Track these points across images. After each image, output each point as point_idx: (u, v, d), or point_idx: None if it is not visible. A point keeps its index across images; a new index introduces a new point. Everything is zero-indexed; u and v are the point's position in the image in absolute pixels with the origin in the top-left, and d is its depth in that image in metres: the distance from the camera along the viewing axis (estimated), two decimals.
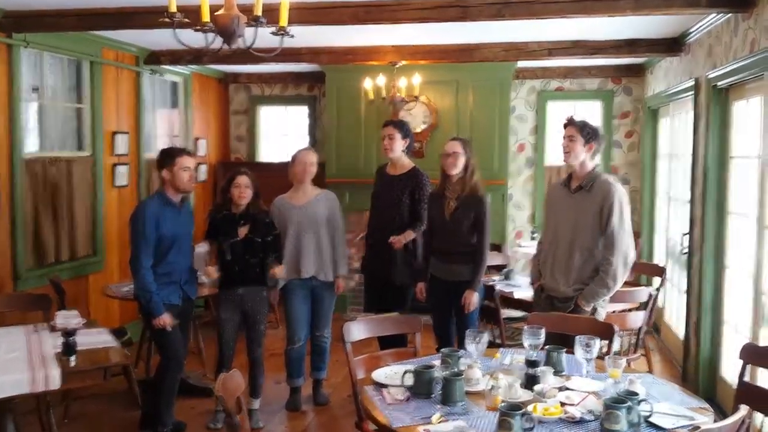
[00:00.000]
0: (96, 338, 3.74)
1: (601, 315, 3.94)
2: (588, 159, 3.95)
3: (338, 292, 4.94)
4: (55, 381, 3.17)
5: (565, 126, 4.02)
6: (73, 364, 3.33)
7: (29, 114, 5.42)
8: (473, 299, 4.38)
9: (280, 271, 4.49)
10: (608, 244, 3.81)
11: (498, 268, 5.90)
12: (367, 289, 5.11)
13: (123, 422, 4.69)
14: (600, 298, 3.87)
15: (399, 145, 4.83)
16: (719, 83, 4.73)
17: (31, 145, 5.45)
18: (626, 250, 3.82)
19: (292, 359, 4.86)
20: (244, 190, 4.40)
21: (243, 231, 4.44)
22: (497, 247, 6.33)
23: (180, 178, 4.15)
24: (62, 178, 5.66)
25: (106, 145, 6.20)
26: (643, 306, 4.74)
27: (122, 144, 6.41)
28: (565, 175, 4.17)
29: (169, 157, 4.19)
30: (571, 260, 3.91)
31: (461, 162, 4.42)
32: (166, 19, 2.74)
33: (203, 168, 7.92)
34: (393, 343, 4.18)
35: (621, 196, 3.84)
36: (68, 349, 3.37)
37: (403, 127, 4.92)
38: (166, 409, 4.22)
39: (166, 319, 4.08)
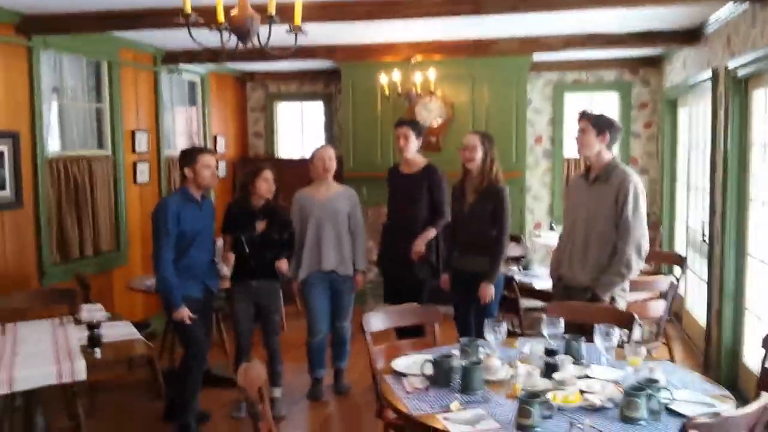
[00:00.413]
0: (120, 331, 3.80)
1: (621, 305, 3.93)
2: (604, 150, 3.93)
3: (357, 288, 4.98)
4: (81, 372, 3.22)
5: (579, 119, 4.03)
6: (98, 356, 3.39)
7: (50, 115, 5.50)
8: (489, 291, 4.39)
9: (284, 266, 4.56)
10: (622, 233, 3.80)
11: (517, 259, 5.91)
12: (384, 283, 5.15)
13: (148, 412, 4.76)
14: (615, 287, 3.86)
15: (414, 144, 4.88)
16: (738, 73, 4.69)
17: (53, 144, 5.54)
18: (639, 238, 3.81)
19: (313, 351, 4.92)
20: (272, 184, 4.49)
21: (261, 225, 4.51)
22: (516, 239, 6.32)
23: (202, 175, 4.22)
24: (84, 176, 5.75)
25: (127, 143, 6.29)
26: (663, 295, 4.72)
27: (142, 142, 6.49)
28: (584, 167, 4.18)
29: (190, 155, 4.26)
30: (588, 250, 3.91)
31: (479, 155, 4.42)
32: (182, 20, 2.77)
33: (222, 165, 7.98)
34: (410, 336, 4.21)
35: (636, 185, 3.83)
36: (93, 341, 3.44)
37: (416, 126, 4.98)
38: (190, 400, 4.28)
39: (184, 312, 4.13)
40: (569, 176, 7.97)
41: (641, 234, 3.82)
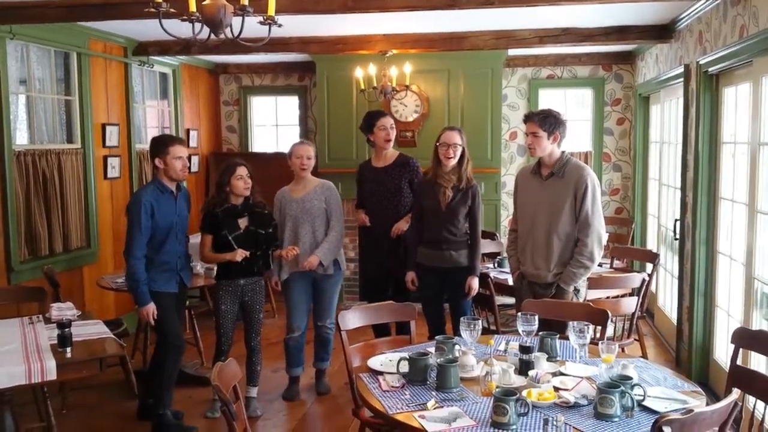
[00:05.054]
0: (91, 329, 3.74)
1: (582, 295, 4.06)
2: (555, 147, 3.99)
3: (306, 267, 4.65)
4: (51, 372, 3.17)
5: (525, 121, 4.04)
6: (68, 355, 3.33)
7: (18, 107, 5.39)
8: (474, 284, 4.46)
9: (292, 253, 4.51)
10: (583, 226, 3.92)
11: (491, 256, 5.94)
12: (367, 282, 5.12)
13: (120, 412, 4.70)
14: (579, 279, 3.98)
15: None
16: (709, 69, 4.74)
17: (20, 138, 5.42)
18: (599, 230, 3.95)
19: (291, 348, 4.87)
20: (247, 180, 4.39)
21: (243, 223, 4.44)
22: (491, 235, 6.35)
23: (173, 167, 4.14)
24: (53, 170, 5.62)
25: (97, 137, 6.17)
26: (636, 291, 4.77)
27: (113, 136, 6.38)
28: (535, 163, 4.17)
29: (162, 145, 4.17)
30: (551, 245, 3.99)
31: (459, 152, 4.43)
32: (153, 10, 2.73)
33: (195, 159, 7.88)
34: (386, 332, 4.22)
35: (593, 178, 3.96)
36: (63, 340, 3.37)
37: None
38: (166, 391, 4.24)
39: (150, 309, 4.07)
40: None
41: (600, 225, 3.96)
